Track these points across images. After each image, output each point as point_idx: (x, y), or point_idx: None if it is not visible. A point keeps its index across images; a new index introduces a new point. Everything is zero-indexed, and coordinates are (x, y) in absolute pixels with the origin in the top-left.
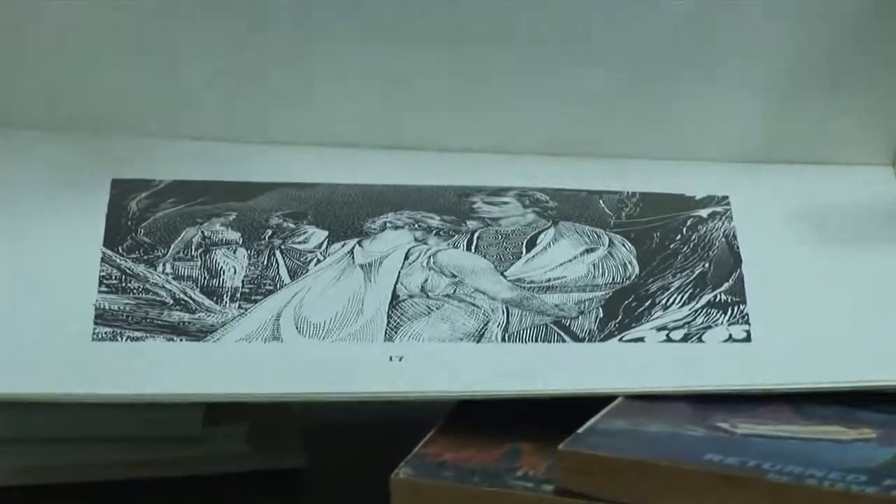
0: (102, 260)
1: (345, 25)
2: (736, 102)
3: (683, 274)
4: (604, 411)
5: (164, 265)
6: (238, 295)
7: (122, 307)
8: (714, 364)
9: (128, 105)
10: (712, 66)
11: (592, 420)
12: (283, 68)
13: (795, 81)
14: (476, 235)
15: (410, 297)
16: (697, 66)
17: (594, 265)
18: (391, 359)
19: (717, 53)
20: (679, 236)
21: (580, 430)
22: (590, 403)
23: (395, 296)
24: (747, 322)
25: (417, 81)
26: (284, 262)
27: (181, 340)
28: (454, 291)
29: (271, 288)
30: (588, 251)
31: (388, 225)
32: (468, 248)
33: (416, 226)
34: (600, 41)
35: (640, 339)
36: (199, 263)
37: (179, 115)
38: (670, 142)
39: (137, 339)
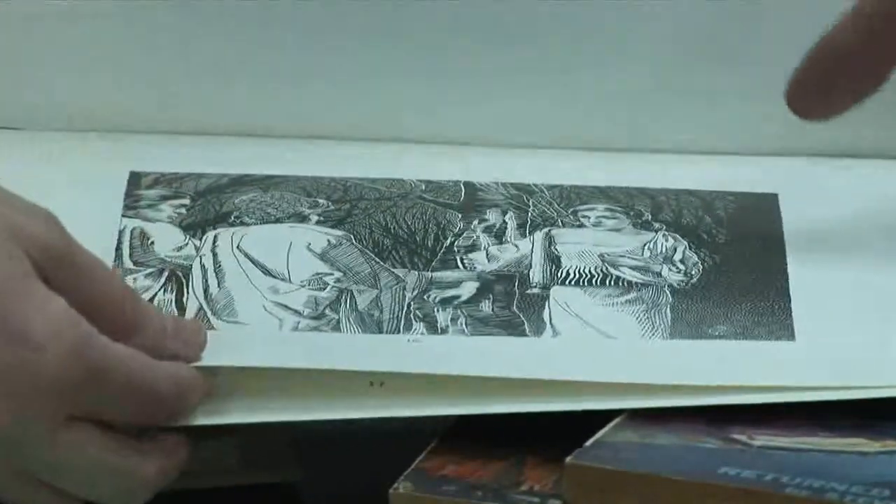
0: None
1: (346, 20)
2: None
3: None
4: (613, 423)
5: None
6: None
7: None
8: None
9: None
10: (755, 57)
11: (601, 432)
12: (294, 64)
13: None
14: None
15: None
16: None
17: None
18: (371, 384)
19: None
20: None
21: (588, 443)
22: (597, 416)
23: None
24: None
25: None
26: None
27: None
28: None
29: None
30: None
31: None
32: None
33: None
34: (634, 33)
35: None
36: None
37: (182, 111)
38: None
39: None
